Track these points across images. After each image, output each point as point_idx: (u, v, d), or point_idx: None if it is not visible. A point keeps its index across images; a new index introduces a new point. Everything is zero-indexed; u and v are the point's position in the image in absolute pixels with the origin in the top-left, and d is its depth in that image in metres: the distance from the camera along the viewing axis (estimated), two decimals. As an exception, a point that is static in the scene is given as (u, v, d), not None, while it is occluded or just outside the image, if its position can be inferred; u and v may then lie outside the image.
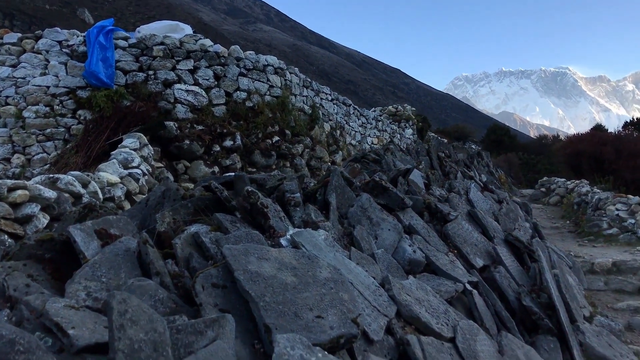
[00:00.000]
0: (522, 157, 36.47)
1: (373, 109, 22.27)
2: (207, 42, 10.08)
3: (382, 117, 18.73)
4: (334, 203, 4.15)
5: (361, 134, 15.28)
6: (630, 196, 12.60)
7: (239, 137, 9.11)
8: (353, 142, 14.23)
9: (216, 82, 9.81)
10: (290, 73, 11.11)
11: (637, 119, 37.93)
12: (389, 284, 3.32)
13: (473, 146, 31.72)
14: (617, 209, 12.16)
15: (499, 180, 18.47)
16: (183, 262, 2.75)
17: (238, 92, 9.91)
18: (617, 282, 8.67)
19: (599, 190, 14.63)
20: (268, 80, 10.43)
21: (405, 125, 21.77)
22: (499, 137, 44.72)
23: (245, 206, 3.44)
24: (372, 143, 15.87)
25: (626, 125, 36.70)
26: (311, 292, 2.57)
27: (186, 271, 2.65)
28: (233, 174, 4.00)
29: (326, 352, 2.15)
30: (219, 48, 10.00)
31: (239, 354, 2.14)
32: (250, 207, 3.40)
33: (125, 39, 9.73)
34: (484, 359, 3.32)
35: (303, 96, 11.59)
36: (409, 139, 20.31)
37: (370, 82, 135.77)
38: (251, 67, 10.22)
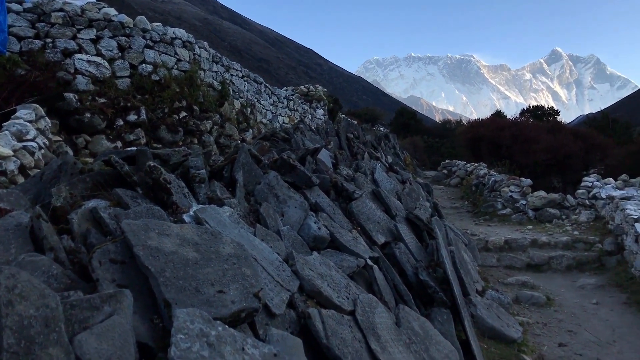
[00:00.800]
0: (427, 140, 37.96)
1: (285, 88, 22.26)
2: (111, 11, 9.59)
3: (293, 97, 18.76)
4: (240, 180, 4.14)
5: (272, 113, 15.22)
6: (522, 179, 13.50)
7: (143, 111, 8.79)
8: (264, 120, 14.16)
9: (120, 54, 9.36)
10: (199, 47, 10.81)
11: (533, 106, 40.53)
12: (293, 259, 3.39)
13: (381, 128, 32.56)
14: (511, 191, 13.00)
15: (404, 162, 19.13)
16: (80, 238, 2.66)
17: (144, 64, 9.52)
18: (508, 258, 9.33)
19: (495, 173, 15.54)
20: (176, 53, 10.10)
21: (316, 105, 21.94)
22: (406, 121, 46.22)
23: (148, 182, 3.36)
24: (284, 122, 15.87)
25: (523, 112, 39.15)
26: (213, 268, 2.58)
27: (83, 247, 2.57)
28: (135, 148, 3.88)
29: (227, 326, 2.18)
30: (124, 18, 9.54)
31: (138, 329, 2.12)
32: (153, 183, 3.33)
33: (20, 2, 9.03)
34: (382, 331, 3.47)
35: (212, 72, 11.32)
36: (320, 119, 20.51)
37: (283, 61, 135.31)
38: (158, 40, 9.83)
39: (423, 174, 22.87)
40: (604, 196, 10.86)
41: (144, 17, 9.79)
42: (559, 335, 6.17)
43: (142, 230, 2.54)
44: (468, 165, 19.82)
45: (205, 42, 11.19)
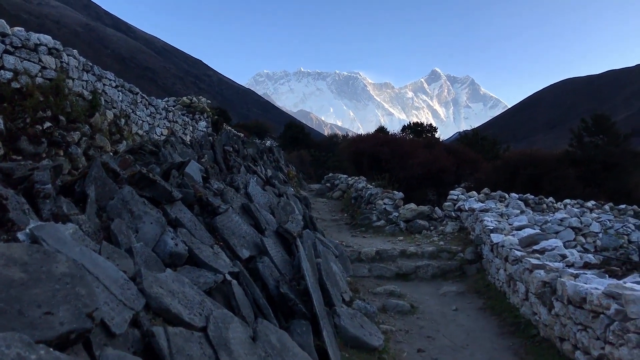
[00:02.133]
0: (313, 153, 38.65)
1: (166, 98, 21.71)
2: (-35, 11, 8.84)
3: (174, 108, 18.31)
4: (92, 195, 3.99)
5: (149, 124, 14.75)
6: (395, 192, 14.15)
7: (1, 121, 8.18)
8: (140, 132, 13.68)
9: (-25, 59, 8.66)
10: (67, 55, 10.24)
11: (413, 123, 42.81)
12: (140, 277, 3.31)
13: (268, 142, 32.73)
14: (385, 204, 13.56)
15: (288, 175, 19.34)
16: None
17: (2, 71, 8.82)
18: (379, 268, 9.71)
19: (371, 187, 16.14)
20: (40, 60, 9.47)
21: (199, 117, 21.58)
22: (295, 134, 46.88)
23: (-20, 198, 3.14)
24: (162, 134, 15.43)
25: (404, 128, 41.25)
26: (42, 289, 2.46)
27: None
28: (-30, 162, 3.62)
29: (51, 349, 2.08)
30: (-21, 20, 8.84)
31: (-55, 360, 1.97)
32: (-14, 199, 3.12)
33: None
34: (235, 345, 3.48)
35: (83, 80, 10.77)
36: (202, 131, 20.16)
37: (170, 71, 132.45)
38: (19, 45, 9.17)
39: (308, 187, 23.25)
40: (467, 208, 11.66)
41: (3, 20, 9.12)
42: (419, 341, 6.51)
43: (-42, 251, 2.38)
44: (349, 178, 20.43)
45: (75, 50, 10.63)
